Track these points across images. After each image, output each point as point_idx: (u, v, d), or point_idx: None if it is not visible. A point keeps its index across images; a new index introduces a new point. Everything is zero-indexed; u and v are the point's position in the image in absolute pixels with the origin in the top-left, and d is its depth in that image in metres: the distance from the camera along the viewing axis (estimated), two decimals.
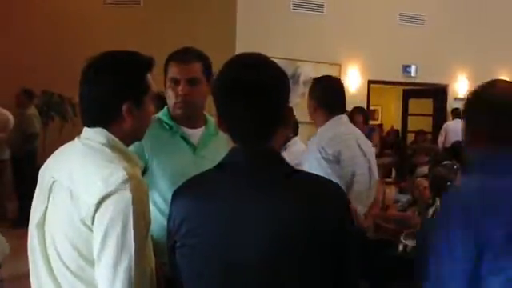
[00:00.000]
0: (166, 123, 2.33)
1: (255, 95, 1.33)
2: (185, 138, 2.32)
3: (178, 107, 2.29)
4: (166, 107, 2.38)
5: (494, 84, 1.72)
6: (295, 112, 1.52)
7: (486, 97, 1.67)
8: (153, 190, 2.16)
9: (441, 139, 9.89)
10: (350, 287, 1.38)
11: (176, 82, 2.28)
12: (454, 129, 9.70)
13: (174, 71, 2.29)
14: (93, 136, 1.62)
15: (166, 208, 1.70)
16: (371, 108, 11.07)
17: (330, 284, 1.32)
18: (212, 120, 2.40)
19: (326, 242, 1.28)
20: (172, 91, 2.29)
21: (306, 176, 1.43)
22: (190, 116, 2.35)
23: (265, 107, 1.34)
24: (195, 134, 2.36)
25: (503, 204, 1.45)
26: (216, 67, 1.57)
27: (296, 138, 5.14)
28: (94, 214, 1.48)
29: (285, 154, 4.27)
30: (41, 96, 8.08)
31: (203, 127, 2.39)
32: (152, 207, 2.11)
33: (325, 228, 1.28)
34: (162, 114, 2.36)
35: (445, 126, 10.11)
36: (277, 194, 1.30)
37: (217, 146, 2.29)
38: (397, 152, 9.39)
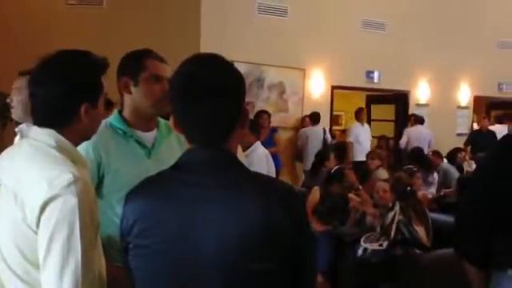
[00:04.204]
0: (118, 128, 2.27)
1: (211, 96, 1.32)
2: (139, 142, 2.28)
3: (163, 104, 2.23)
4: (116, 111, 2.33)
5: None
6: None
7: None
8: (110, 195, 2.14)
9: (402, 144, 10.05)
10: (307, 286, 1.37)
11: (158, 79, 2.24)
12: (416, 135, 9.88)
13: (157, 68, 2.24)
14: (41, 137, 1.60)
15: None
16: (335, 113, 11.17)
17: (288, 285, 1.32)
18: (163, 122, 2.38)
19: (285, 243, 1.28)
20: (156, 86, 2.23)
21: (263, 177, 1.42)
22: (155, 116, 2.32)
23: (221, 108, 1.33)
24: (148, 136, 2.32)
25: None
26: None
27: (258, 142, 5.14)
28: (39, 217, 1.45)
29: (246, 160, 4.31)
30: None
31: (155, 130, 2.36)
32: (109, 211, 2.09)
33: (283, 228, 1.28)
34: (112, 120, 2.30)
35: (406, 131, 10.27)
36: (234, 194, 1.29)
37: (170, 148, 2.28)
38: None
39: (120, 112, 2.32)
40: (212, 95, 1.32)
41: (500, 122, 10.65)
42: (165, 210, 1.31)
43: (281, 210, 1.28)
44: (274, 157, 7.94)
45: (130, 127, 2.28)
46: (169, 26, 8.22)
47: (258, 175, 1.40)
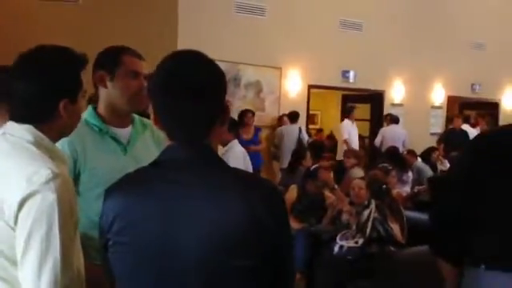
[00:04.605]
0: (94, 125, 2.26)
1: (193, 93, 1.32)
2: (114, 138, 2.27)
3: (139, 100, 2.23)
4: (90, 107, 2.31)
5: None
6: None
7: None
8: (87, 192, 2.12)
9: (377, 143, 10.15)
10: (287, 285, 1.39)
11: (135, 75, 2.23)
12: (390, 134, 9.98)
13: (135, 64, 2.23)
14: (19, 133, 1.58)
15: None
16: (311, 112, 11.23)
17: (267, 283, 1.32)
18: (137, 118, 2.38)
19: (266, 241, 1.29)
20: (133, 83, 2.22)
21: (246, 175, 1.43)
22: (130, 113, 2.32)
23: (203, 105, 1.33)
24: (124, 133, 2.31)
25: None
26: None
27: (235, 141, 5.15)
28: (17, 214, 1.44)
29: (225, 157, 4.32)
30: None
31: (130, 126, 2.35)
32: (86, 208, 2.07)
33: (265, 226, 1.28)
34: (87, 116, 2.27)
35: (381, 130, 10.37)
36: (216, 192, 1.29)
37: (145, 145, 2.28)
38: (335, 156, 9.59)
39: (94, 108, 2.31)
40: (193, 92, 1.32)
41: (467, 123, 10.84)
42: (145, 207, 1.30)
43: (263, 207, 1.29)
44: (256, 155, 7.99)
45: (105, 123, 2.27)
46: (146, 24, 8.16)
47: (240, 172, 1.41)
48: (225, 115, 1.40)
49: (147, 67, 2.22)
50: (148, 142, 2.32)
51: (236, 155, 4.95)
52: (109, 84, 2.23)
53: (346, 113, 10.68)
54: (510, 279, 1.89)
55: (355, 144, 9.82)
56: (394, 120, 10.22)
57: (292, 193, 5.55)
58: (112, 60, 2.23)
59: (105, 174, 2.07)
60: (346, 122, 10.17)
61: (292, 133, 9.21)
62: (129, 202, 1.34)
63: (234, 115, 7.97)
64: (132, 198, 1.34)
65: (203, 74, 1.35)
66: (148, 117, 1.98)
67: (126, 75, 2.22)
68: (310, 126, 11.69)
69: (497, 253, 1.94)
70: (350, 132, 9.91)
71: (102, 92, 2.27)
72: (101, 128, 2.25)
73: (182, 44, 8.19)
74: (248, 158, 5.29)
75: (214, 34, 8.66)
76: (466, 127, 10.45)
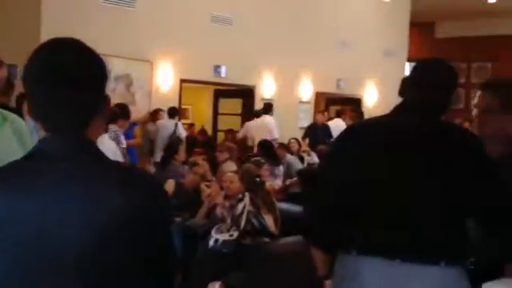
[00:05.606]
0: None
1: (71, 82, 1.24)
2: None
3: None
4: None
5: None
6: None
7: None
8: None
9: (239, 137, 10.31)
10: (168, 279, 1.35)
11: None
12: (255, 127, 10.12)
13: None
14: None
15: None
16: (183, 107, 11.17)
17: (153, 276, 1.28)
18: None
19: (147, 234, 1.24)
20: None
21: (126, 167, 1.40)
22: None
23: (82, 95, 1.26)
24: None
25: None
26: (19, 58, 1.43)
27: (105, 135, 5.00)
28: None
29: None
30: None
31: None
32: None
33: (145, 219, 1.24)
34: None
35: (246, 124, 10.49)
36: (95, 184, 1.22)
37: (5, 138, 2.13)
38: (208, 150, 9.61)
39: None
40: (72, 81, 1.24)
41: (338, 116, 11.44)
42: (18, 204, 1.19)
43: (145, 199, 1.25)
44: (131, 150, 7.79)
45: None
46: (5, 13, 7.63)
47: (120, 164, 1.37)
48: (106, 106, 1.34)
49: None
50: (8, 136, 2.16)
51: (105, 151, 4.79)
52: None
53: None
54: (382, 264, 1.99)
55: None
56: (265, 110, 10.32)
57: (169, 187, 5.48)
58: None
59: None
60: (336, 120, 10.52)
61: (169, 128, 9.11)
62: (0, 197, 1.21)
63: None
64: (4, 193, 1.21)
65: (83, 62, 1.28)
66: (11, 110, 1.84)
67: None
68: (182, 121, 11.64)
69: (369, 239, 2.04)
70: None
71: None
72: None
73: (46, 34, 7.73)
74: (119, 153, 5.17)
75: (80, 24, 8.23)
76: (338, 121, 10.95)
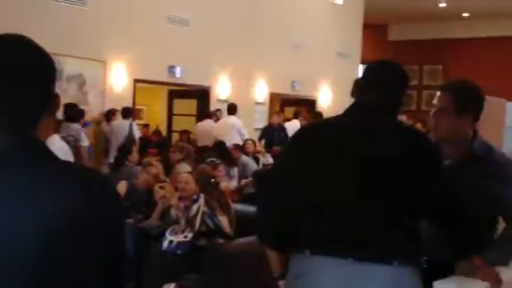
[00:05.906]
0: None
1: (16, 78, 1.20)
2: None
3: None
4: None
5: None
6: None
7: None
8: None
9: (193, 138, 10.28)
10: (118, 282, 1.32)
11: None
12: (202, 129, 10.11)
13: None
14: None
15: None
16: (137, 107, 11.03)
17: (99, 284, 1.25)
18: None
19: (98, 235, 1.21)
20: None
21: (75, 166, 1.35)
22: None
23: (30, 93, 1.22)
24: None
25: None
26: None
27: (55, 135, 4.90)
28: None
29: None
30: None
31: None
32: None
33: (96, 220, 1.20)
34: None
35: (196, 126, 10.49)
36: (43, 185, 1.18)
37: None
38: (162, 151, 9.52)
39: None
40: (20, 78, 1.20)
41: (296, 117, 11.54)
42: None
43: (96, 200, 1.21)
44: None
45: None
46: None
47: (71, 164, 1.32)
48: (55, 104, 1.30)
49: None
50: None
51: (57, 149, 4.71)
52: None
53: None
54: (334, 263, 2.00)
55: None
56: (230, 110, 10.32)
57: (121, 189, 5.39)
58: None
59: None
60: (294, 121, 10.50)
61: (124, 128, 8.99)
62: None
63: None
64: None
65: (31, 58, 1.24)
66: None
67: None
68: (137, 122, 11.50)
69: (322, 238, 2.05)
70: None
71: None
72: None
73: None
74: (70, 153, 5.08)
75: (30, 23, 8.03)
76: (295, 122, 11.03)
